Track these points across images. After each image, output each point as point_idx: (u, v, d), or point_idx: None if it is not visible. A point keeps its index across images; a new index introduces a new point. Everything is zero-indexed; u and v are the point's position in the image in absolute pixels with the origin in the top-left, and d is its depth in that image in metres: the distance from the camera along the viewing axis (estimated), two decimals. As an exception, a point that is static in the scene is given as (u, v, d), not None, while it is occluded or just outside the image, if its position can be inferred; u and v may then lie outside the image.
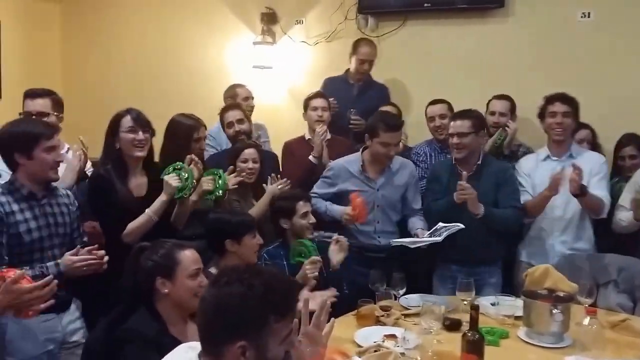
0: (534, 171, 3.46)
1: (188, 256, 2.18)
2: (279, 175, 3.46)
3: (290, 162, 3.94)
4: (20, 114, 3.16)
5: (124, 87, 5.35)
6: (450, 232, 3.09)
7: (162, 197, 2.88)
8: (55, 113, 3.16)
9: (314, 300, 2.06)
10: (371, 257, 3.37)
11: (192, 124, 3.29)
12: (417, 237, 3.29)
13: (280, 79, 5.14)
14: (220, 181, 3.13)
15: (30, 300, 2.03)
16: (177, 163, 2.96)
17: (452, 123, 3.39)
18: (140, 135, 2.89)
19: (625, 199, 3.31)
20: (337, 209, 3.44)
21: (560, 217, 3.38)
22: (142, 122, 2.92)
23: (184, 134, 3.24)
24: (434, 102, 4.08)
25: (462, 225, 3.12)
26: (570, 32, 4.28)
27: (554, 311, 2.43)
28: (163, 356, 1.63)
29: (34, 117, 3.07)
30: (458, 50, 4.58)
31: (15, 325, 2.40)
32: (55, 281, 2.11)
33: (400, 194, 3.53)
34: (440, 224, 3.20)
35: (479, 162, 3.37)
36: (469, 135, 3.31)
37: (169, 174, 2.91)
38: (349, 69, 4.48)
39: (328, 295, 2.71)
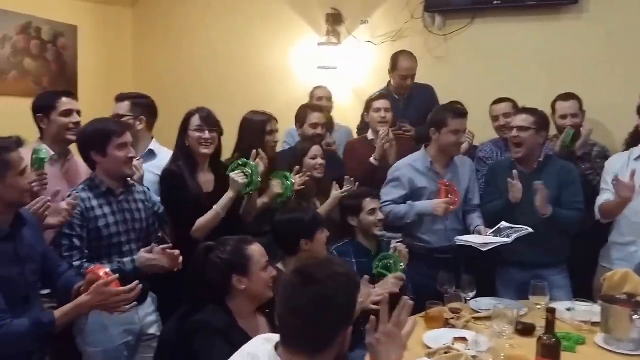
0: (624, 170, 3.25)
1: (257, 250, 2.23)
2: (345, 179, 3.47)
3: (353, 161, 3.93)
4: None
5: (193, 88, 5.47)
6: (520, 235, 3.06)
7: (229, 194, 2.95)
8: (132, 115, 3.27)
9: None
10: (438, 258, 3.32)
11: (264, 118, 3.33)
12: (480, 234, 3.26)
13: (345, 80, 5.14)
14: (288, 183, 3.20)
15: (117, 302, 2.13)
16: (242, 159, 3.03)
17: (514, 117, 3.37)
18: (207, 134, 2.98)
19: None
20: (426, 204, 3.35)
21: None
22: (210, 121, 3.02)
23: (257, 129, 3.28)
24: (497, 101, 4.02)
25: (530, 230, 3.07)
26: (649, 28, 4.12)
27: (634, 317, 2.34)
28: (232, 346, 1.70)
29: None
30: (528, 49, 4.48)
31: (96, 317, 2.50)
32: (140, 286, 2.20)
33: (465, 190, 3.49)
34: (504, 223, 3.16)
35: (541, 160, 3.31)
36: (528, 131, 3.25)
37: (233, 170, 2.98)
38: (390, 82, 4.40)
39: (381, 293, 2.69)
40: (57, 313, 2.08)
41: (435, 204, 3.28)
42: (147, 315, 2.75)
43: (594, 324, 2.59)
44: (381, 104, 3.99)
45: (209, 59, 5.61)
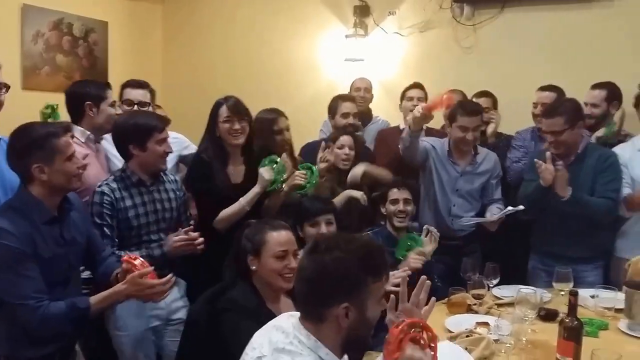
0: (631, 161, 3.25)
1: (275, 237, 2.23)
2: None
3: (384, 150, 3.96)
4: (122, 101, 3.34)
5: (221, 82, 5.49)
6: (506, 213, 3.18)
7: (256, 189, 2.96)
8: (150, 102, 3.36)
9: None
10: (446, 244, 3.29)
11: (272, 117, 3.36)
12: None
13: (372, 72, 5.11)
14: (312, 177, 3.17)
15: (152, 294, 2.19)
16: (273, 156, 3.04)
17: (543, 121, 3.26)
18: (237, 125, 2.99)
19: None
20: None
21: None
22: (238, 111, 3.01)
23: (265, 128, 3.31)
24: (541, 89, 3.93)
25: (522, 207, 3.14)
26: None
27: (659, 303, 2.31)
28: (259, 327, 1.73)
29: (135, 105, 3.27)
30: (560, 38, 4.41)
31: (125, 302, 2.53)
32: (174, 278, 2.25)
33: (481, 184, 3.54)
34: (510, 208, 3.20)
35: (579, 151, 3.23)
36: (563, 133, 3.16)
37: (264, 166, 2.99)
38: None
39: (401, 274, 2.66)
40: (93, 299, 2.13)
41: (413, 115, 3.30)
42: (175, 300, 2.79)
43: (617, 310, 2.58)
44: (414, 92, 4.11)
45: (238, 53, 5.66)
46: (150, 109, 3.37)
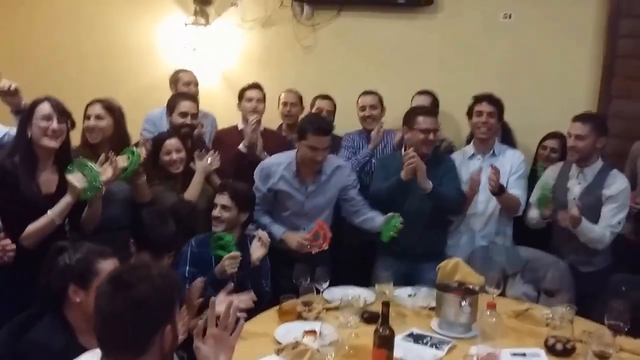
0: (461, 168, 3.58)
1: (107, 269, 1.96)
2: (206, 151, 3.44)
3: (220, 151, 3.89)
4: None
5: (49, 68, 5.15)
6: None
7: (67, 199, 2.67)
8: None
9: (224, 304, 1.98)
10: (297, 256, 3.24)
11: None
12: None
13: (213, 62, 5.08)
14: (134, 157, 2.99)
15: None
16: (82, 159, 2.74)
17: (423, 118, 3.37)
18: (55, 124, 2.67)
19: (534, 197, 3.48)
20: (278, 230, 3.33)
21: (482, 212, 3.54)
22: (60, 111, 2.71)
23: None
24: (365, 93, 4.15)
25: None
26: (493, 31, 4.44)
27: (463, 303, 2.58)
28: None
29: None
30: (389, 44, 4.67)
31: None
32: None
33: (333, 199, 3.42)
34: None
35: (429, 154, 3.44)
36: (437, 132, 3.47)
37: (71, 172, 2.68)
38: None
39: (243, 299, 2.74)
40: None
41: (296, 240, 3.25)
42: None
43: (432, 308, 2.79)
44: (253, 93, 4.05)
45: (69, 35, 5.29)
46: None
